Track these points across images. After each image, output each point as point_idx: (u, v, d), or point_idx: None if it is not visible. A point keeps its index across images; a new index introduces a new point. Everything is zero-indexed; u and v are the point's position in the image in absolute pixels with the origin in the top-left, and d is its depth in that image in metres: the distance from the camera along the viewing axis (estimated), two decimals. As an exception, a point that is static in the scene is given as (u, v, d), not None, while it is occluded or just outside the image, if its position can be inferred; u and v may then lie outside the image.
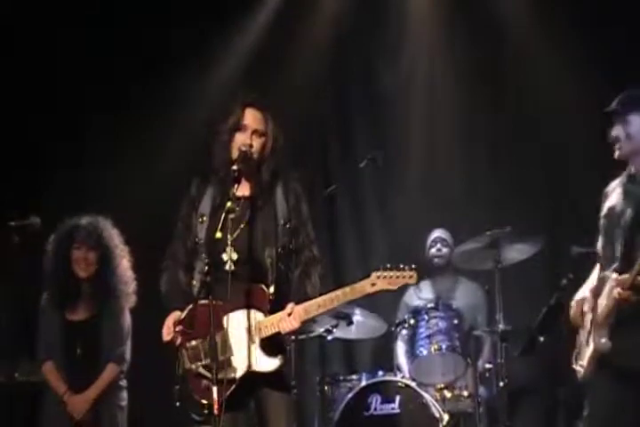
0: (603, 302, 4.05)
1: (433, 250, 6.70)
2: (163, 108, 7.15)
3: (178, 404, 4.25)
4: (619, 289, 3.94)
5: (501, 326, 5.96)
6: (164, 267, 4.37)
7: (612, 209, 4.16)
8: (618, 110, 4.12)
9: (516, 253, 6.15)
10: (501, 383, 5.93)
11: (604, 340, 4.02)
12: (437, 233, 6.74)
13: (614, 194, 4.21)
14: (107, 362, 5.19)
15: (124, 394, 5.30)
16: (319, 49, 7.36)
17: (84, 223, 5.27)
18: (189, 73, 7.29)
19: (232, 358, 4.12)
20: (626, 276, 3.94)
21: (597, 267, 4.26)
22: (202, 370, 4.14)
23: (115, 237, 5.31)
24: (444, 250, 6.68)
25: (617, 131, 4.11)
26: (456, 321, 6.15)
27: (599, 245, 4.24)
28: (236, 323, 4.13)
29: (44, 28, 7.07)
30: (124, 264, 5.32)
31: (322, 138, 7.54)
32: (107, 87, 7.19)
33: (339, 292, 4.13)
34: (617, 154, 4.14)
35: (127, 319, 5.31)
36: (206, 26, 7.31)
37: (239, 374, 4.11)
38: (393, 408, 5.88)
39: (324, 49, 7.37)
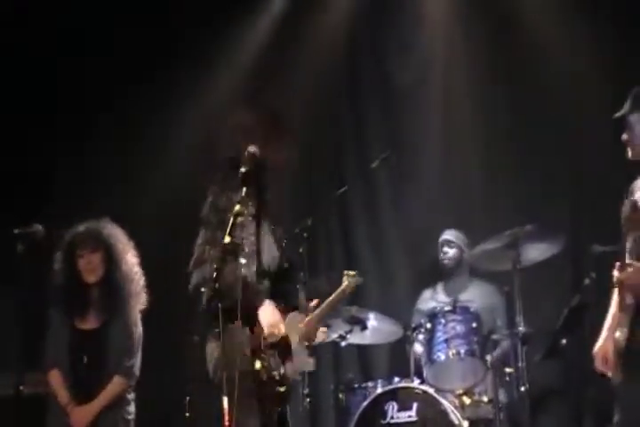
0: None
1: (440, 253, 6.65)
2: (168, 108, 7.11)
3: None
4: (616, 273, 3.97)
5: (522, 329, 5.83)
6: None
7: (634, 207, 4.10)
8: (620, 115, 4.21)
9: (537, 252, 6.02)
10: (523, 388, 5.79)
11: (618, 334, 3.98)
12: (444, 235, 6.68)
13: (637, 191, 4.18)
14: (113, 374, 5.07)
15: (132, 408, 5.16)
16: (332, 48, 7.28)
17: (82, 230, 5.21)
18: (197, 71, 7.24)
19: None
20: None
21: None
22: None
23: (117, 233, 5.24)
24: (451, 252, 6.62)
25: (625, 133, 4.19)
26: (474, 324, 6.01)
27: (624, 243, 4.17)
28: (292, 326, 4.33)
29: (42, 27, 7.04)
30: (129, 260, 5.22)
31: (335, 138, 7.46)
32: (109, 88, 7.14)
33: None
34: (630, 155, 4.21)
35: (138, 329, 5.20)
36: (215, 24, 7.27)
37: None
38: (410, 416, 5.74)
39: (337, 48, 7.30)
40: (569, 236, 6.10)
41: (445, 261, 6.64)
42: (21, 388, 5.40)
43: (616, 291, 4.18)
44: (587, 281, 5.70)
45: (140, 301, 5.21)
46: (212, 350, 4.28)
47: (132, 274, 5.21)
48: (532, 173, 6.86)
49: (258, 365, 4.17)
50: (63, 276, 5.17)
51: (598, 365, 4.16)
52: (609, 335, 4.12)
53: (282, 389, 4.24)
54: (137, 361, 5.16)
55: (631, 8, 6.49)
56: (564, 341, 5.82)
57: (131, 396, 5.16)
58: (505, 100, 6.97)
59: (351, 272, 5.45)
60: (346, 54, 7.35)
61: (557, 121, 6.77)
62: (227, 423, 3.96)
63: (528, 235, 5.92)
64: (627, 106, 4.21)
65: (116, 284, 5.15)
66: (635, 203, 4.10)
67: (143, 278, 5.24)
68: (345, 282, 5.39)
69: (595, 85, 6.51)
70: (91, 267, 5.15)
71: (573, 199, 6.80)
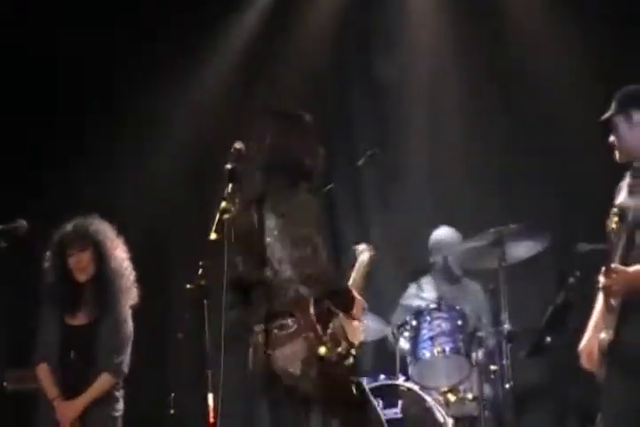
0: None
1: (432, 257, 6.67)
2: (156, 105, 7.09)
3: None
4: (601, 278, 3.93)
5: (507, 327, 5.84)
6: None
7: (618, 205, 4.09)
8: (605, 118, 4.17)
9: (522, 250, 6.02)
10: (507, 385, 5.80)
11: (603, 335, 3.96)
12: (432, 239, 6.66)
13: (622, 191, 4.16)
14: (102, 371, 5.05)
15: (119, 405, 5.14)
16: (318, 46, 7.28)
17: (70, 229, 5.19)
18: (184, 68, 7.24)
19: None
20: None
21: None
22: None
23: (105, 229, 5.21)
24: (438, 257, 6.62)
25: (612, 135, 4.15)
26: (460, 322, 6.01)
27: (609, 246, 4.14)
28: None
29: (42, 27, 7.03)
30: (119, 255, 5.21)
31: (321, 136, 7.42)
32: (103, 87, 7.15)
33: None
34: (617, 158, 4.18)
35: (128, 326, 5.18)
36: (201, 21, 7.24)
37: None
38: (395, 413, 5.75)
39: (323, 46, 7.29)
40: (554, 234, 6.07)
41: (436, 267, 6.68)
42: (4, 384, 5.43)
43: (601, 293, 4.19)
44: (571, 279, 5.70)
45: (130, 296, 5.19)
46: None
47: (122, 270, 5.19)
48: (518, 171, 6.88)
49: (322, 350, 4.08)
50: (54, 275, 5.15)
51: (584, 362, 4.16)
52: (594, 333, 4.12)
53: (350, 361, 4.20)
54: (126, 358, 5.13)
55: (620, 5, 6.50)
56: (548, 338, 5.82)
57: (119, 393, 5.14)
58: (491, 98, 6.97)
59: (362, 246, 5.26)
60: (332, 52, 7.32)
61: (544, 120, 6.78)
62: (212, 420, 3.96)
63: (513, 233, 5.92)
64: (612, 108, 4.18)
65: (106, 281, 5.14)
66: (618, 210, 4.09)
67: (133, 273, 5.22)
68: (364, 254, 5.16)
69: (582, 84, 6.54)
70: (81, 266, 5.13)
71: (559, 198, 6.81)
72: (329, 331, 4.14)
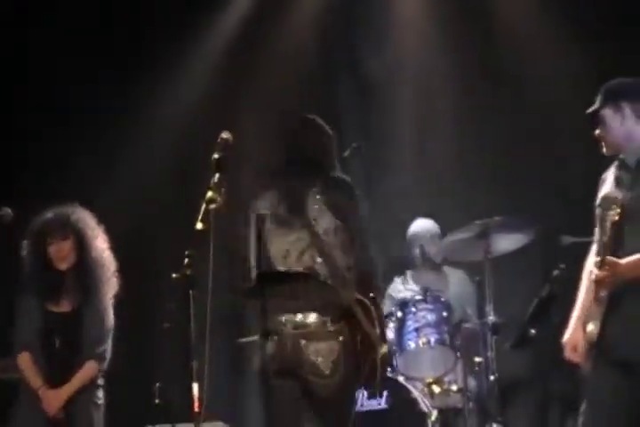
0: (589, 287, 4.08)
1: (410, 248, 6.65)
2: (142, 96, 7.09)
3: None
4: (595, 270, 3.95)
5: (492, 319, 5.88)
6: None
7: (604, 197, 4.11)
8: (592, 111, 4.17)
9: (507, 243, 6.05)
10: (492, 377, 5.85)
11: (590, 327, 3.98)
12: (409, 231, 6.66)
13: (608, 181, 4.18)
14: (86, 359, 5.03)
15: (101, 393, 5.12)
16: (305, 40, 7.27)
17: (50, 217, 5.14)
18: (172, 63, 7.23)
19: None
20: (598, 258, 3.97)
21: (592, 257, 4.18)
22: None
23: (86, 218, 5.17)
24: (416, 249, 6.60)
25: (599, 129, 4.15)
26: (445, 313, 6.01)
27: (595, 234, 4.18)
28: None
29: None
30: (100, 245, 5.17)
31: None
32: (80, 76, 7.08)
33: None
34: (604, 151, 4.18)
35: (110, 315, 5.15)
36: (186, 20, 7.25)
37: None
38: (379, 404, 5.74)
39: (309, 40, 7.28)
40: (539, 226, 6.10)
41: (415, 259, 6.66)
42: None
43: (585, 282, 4.20)
44: (556, 272, 5.74)
45: (111, 286, 5.16)
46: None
47: (103, 259, 5.16)
48: (504, 165, 6.89)
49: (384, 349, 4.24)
50: (34, 263, 5.11)
51: (568, 354, 4.18)
52: (578, 325, 4.14)
53: (383, 350, 4.26)
54: (108, 347, 5.12)
55: (613, 5, 6.51)
56: (532, 331, 5.85)
57: (101, 381, 5.12)
58: (478, 92, 6.97)
59: None
60: (318, 46, 7.31)
61: (530, 113, 6.79)
62: (196, 410, 3.96)
63: (499, 225, 5.95)
64: (598, 101, 4.18)
65: (87, 269, 5.10)
66: (604, 201, 4.09)
67: (114, 263, 5.19)
68: None
69: (568, 77, 6.56)
70: (62, 254, 5.10)
71: (543, 191, 6.81)
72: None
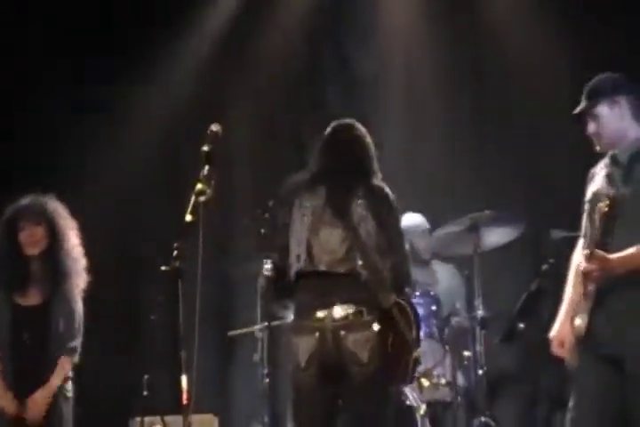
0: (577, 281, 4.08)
1: None
2: (121, 86, 7.04)
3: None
4: (583, 263, 3.95)
5: (480, 313, 5.90)
6: None
7: (595, 193, 4.10)
8: (586, 108, 4.12)
9: (497, 237, 6.07)
10: (480, 371, 5.87)
11: (578, 322, 3.98)
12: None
13: (598, 177, 4.16)
14: (59, 355, 4.92)
15: (70, 385, 5.02)
16: (292, 34, 7.25)
17: (25, 204, 5.05)
18: (158, 52, 7.19)
19: None
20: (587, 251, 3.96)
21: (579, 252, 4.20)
22: None
23: (60, 209, 5.08)
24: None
25: (590, 127, 4.11)
26: (434, 307, 6.03)
27: (583, 229, 4.19)
28: None
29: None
30: (72, 238, 5.07)
31: (295, 123, 7.42)
32: (73, 75, 7.06)
33: None
34: (598, 148, 4.15)
35: (80, 308, 5.03)
36: (172, 14, 7.21)
37: None
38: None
39: (297, 34, 7.26)
40: (528, 221, 6.12)
41: None
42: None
43: (572, 276, 4.20)
44: (545, 266, 5.75)
45: (81, 279, 5.04)
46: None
47: (75, 252, 5.05)
48: (493, 158, 6.91)
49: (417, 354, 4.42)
50: (3, 249, 5.00)
51: (555, 349, 4.18)
52: (566, 320, 4.14)
53: (416, 353, 4.42)
54: (80, 340, 5.00)
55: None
56: (521, 325, 5.86)
57: (70, 373, 5.01)
58: (466, 86, 7.01)
59: None
60: (306, 43, 7.29)
61: (517, 108, 6.82)
62: (185, 402, 3.96)
63: (488, 219, 5.97)
64: (589, 98, 4.12)
65: (58, 258, 4.99)
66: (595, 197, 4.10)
67: (85, 260, 5.07)
68: None
69: (554, 73, 6.58)
70: (33, 239, 4.98)
71: (533, 185, 6.84)
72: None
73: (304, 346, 4.35)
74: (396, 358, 4.37)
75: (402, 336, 4.39)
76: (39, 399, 4.86)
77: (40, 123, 7.03)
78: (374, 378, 4.30)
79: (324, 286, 4.37)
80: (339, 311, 4.33)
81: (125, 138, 7.05)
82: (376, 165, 4.64)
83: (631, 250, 3.90)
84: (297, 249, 4.42)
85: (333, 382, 4.33)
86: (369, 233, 4.39)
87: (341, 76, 7.33)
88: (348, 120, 4.77)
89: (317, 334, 4.33)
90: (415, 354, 4.42)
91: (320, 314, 4.34)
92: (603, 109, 4.07)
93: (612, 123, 4.07)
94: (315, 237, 4.42)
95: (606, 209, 3.91)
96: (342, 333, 4.29)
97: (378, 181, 4.59)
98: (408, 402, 5.67)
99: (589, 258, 3.92)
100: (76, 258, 5.04)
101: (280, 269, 4.55)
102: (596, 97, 4.10)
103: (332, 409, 4.39)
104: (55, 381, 4.89)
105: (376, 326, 4.31)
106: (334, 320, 4.31)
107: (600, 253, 3.90)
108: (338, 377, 4.32)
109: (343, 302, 4.32)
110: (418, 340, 4.48)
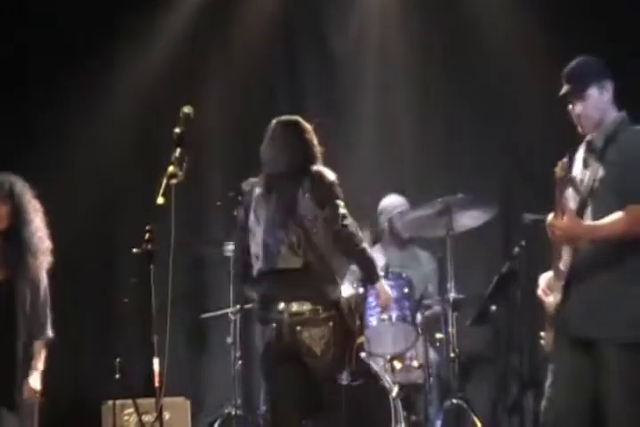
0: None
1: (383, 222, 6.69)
2: (97, 73, 6.99)
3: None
4: (550, 217, 4.01)
5: (453, 295, 5.92)
6: None
7: (571, 179, 4.11)
8: (576, 90, 4.11)
9: (469, 220, 6.08)
10: (452, 353, 5.88)
11: (551, 299, 4.03)
12: (379, 206, 6.69)
13: (576, 162, 4.18)
14: (33, 340, 4.89)
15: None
16: (267, 15, 7.20)
17: None
18: (133, 40, 7.12)
19: None
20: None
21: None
22: None
23: (26, 191, 5.04)
24: (385, 223, 6.64)
25: (577, 108, 4.10)
26: (406, 290, 6.02)
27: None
28: None
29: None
30: (38, 220, 5.03)
31: (272, 107, 7.38)
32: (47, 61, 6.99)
33: None
34: (581, 130, 4.15)
35: (44, 286, 4.96)
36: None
37: None
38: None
39: (273, 17, 7.22)
40: (501, 204, 6.15)
41: (384, 232, 6.67)
42: None
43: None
44: (517, 249, 5.77)
45: (46, 260, 4.98)
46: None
47: (40, 233, 5.00)
48: (466, 142, 6.92)
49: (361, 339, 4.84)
50: None
51: (540, 292, 4.19)
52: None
53: (360, 340, 4.82)
54: (49, 318, 4.95)
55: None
56: (493, 307, 5.90)
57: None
58: (439, 70, 7.00)
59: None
60: (282, 25, 7.26)
61: (490, 91, 6.81)
62: (157, 384, 3.97)
63: (460, 202, 5.97)
64: (579, 81, 4.10)
65: (22, 237, 4.93)
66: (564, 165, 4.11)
67: (49, 242, 5.02)
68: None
69: (527, 56, 6.57)
70: None
71: (505, 169, 6.86)
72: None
73: (264, 334, 4.72)
74: (342, 347, 4.70)
75: (346, 325, 4.72)
76: (33, 386, 4.85)
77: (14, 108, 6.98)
78: (326, 367, 4.67)
79: (282, 281, 4.66)
80: (296, 307, 4.64)
81: (98, 121, 6.99)
82: (316, 152, 4.82)
83: (599, 222, 3.92)
84: (255, 249, 4.73)
85: (291, 363, 4.66)
86: (317, 225, 4.65)
87: (317, 53, 7.31)
88: (284, 119, 4.99)
89: (274, 325, 4.64)
90: (359, 340, 4.78)
91: (279, 307, 4.64)
92: (593, 92, 4.09)
93: (599, 105, 4.09)
94: (270, 238, 4.68)
95: (560, 173, 3.97)
96: (298, 328, 4.62)
97: (317, 166, 4.77)
98: (381, 383, 5.70)
99: (563, 216, 3.94)
100: (41, 238, 5.00)
101: (245, 266, 4.86)
102: (584, 79, 4.11)
103: (302, 381, 4.70)
104: (39, 365, 4.90)
105: (331, 323, 4.64)
106: (291, 314, 4.63)
107: (574, 215, 3.93)
108: (296, 367, 4.67)
109: (301, 297, 4.63)
110: (362, 328, 4.86)
